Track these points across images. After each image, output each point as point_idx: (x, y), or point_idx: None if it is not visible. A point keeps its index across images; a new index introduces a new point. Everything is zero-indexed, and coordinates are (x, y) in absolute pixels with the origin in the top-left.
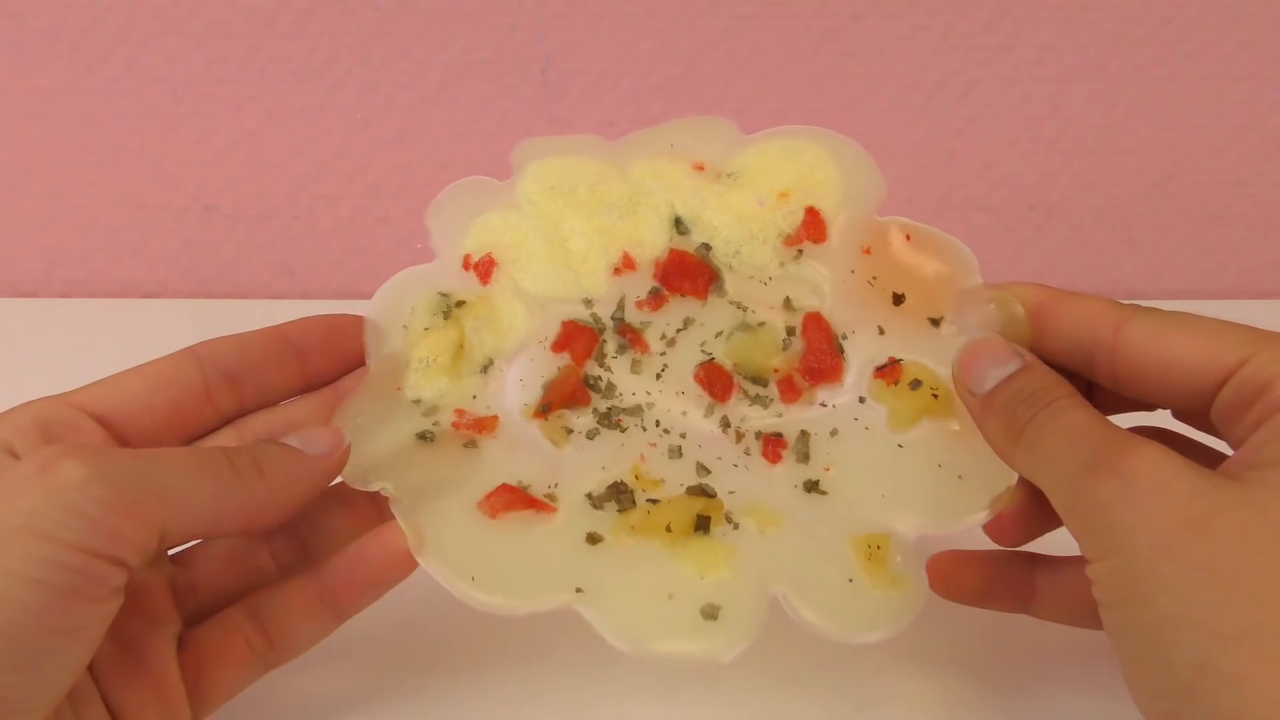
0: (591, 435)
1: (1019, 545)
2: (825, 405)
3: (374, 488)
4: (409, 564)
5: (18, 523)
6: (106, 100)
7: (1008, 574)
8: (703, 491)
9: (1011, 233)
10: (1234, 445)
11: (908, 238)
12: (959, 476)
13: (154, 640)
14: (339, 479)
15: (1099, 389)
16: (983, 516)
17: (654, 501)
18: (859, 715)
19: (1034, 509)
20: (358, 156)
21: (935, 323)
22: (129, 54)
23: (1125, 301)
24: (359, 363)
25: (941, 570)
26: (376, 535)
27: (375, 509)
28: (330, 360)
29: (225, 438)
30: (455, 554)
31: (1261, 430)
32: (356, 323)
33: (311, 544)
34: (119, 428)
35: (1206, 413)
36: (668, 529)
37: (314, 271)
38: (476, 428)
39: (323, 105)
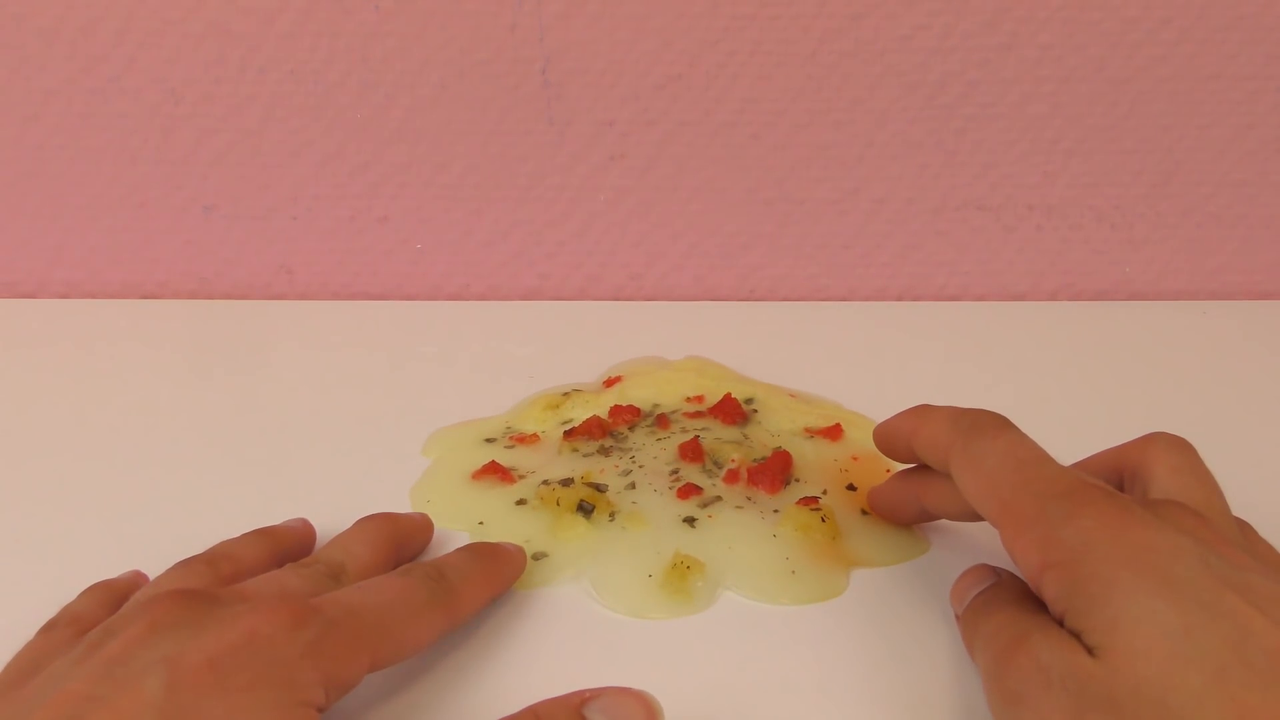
0: (586, 455)
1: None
2: (750, 500)
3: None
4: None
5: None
6: (105, 100)
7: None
8: (596, 489)
9: (1011, 233)
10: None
11: (887, 471)
12: (792, 572)
13: None
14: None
15: None
16: (790, 607)
17: (567, 483)
18: None
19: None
20: (358, 156)
21: (864, 512)
22: (128, 54)
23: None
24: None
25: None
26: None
27: None
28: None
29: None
30: (431, 493)
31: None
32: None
33: None
34: None
35: None
36: (557, 503)
37: (314, 271)
38: (521, 439)
39: (323, 105)
